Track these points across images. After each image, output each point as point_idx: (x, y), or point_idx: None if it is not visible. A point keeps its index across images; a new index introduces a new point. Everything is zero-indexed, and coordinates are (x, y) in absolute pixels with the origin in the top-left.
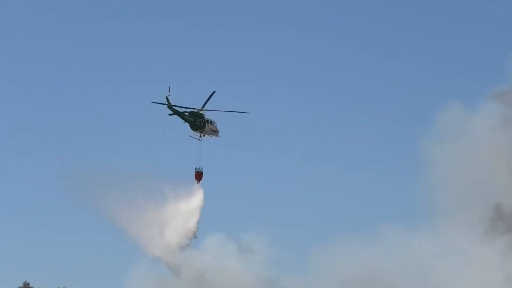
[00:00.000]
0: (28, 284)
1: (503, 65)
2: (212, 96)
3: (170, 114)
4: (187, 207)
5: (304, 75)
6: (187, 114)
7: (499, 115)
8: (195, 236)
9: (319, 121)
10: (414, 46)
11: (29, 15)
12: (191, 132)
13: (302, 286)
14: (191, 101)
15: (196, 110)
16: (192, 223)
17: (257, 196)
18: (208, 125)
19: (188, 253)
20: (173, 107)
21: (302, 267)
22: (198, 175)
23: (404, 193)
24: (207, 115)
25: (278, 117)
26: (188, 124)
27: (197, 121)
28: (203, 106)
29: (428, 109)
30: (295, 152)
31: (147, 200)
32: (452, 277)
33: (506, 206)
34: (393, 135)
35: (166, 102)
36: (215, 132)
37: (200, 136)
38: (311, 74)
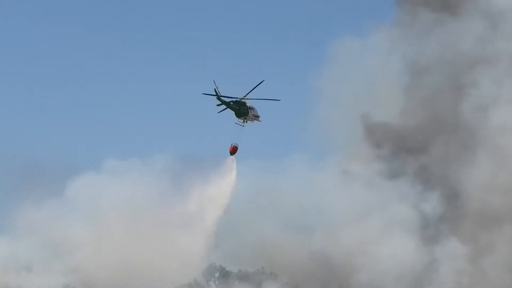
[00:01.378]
0: None
1: None
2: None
3: (218, 105)
4: None
5: None
6: (232, 103)
7: (391, 45)
8: None
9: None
10: None
11: None
12: (236, 119)
13: None
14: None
15: (239, 99)
16: None
17: None
18: (251, 112)
19: None
20: (221, 97)
21: None
22: (233, 149)
23: (307, 126)
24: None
25: None
26: (234, 112)
27: (241, 109)
28: (246, 95)
29: (322, 41)
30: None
31: None
32: (357, 212)
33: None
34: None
35: (215, 94)
36: (257, 117)
37: (244, 122)
38: None
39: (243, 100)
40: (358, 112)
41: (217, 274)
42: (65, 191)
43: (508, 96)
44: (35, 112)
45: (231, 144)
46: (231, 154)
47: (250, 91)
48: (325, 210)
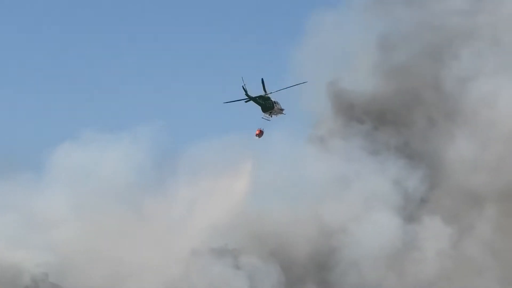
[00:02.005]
0: None
1: None
2: (264, 82)
3: (246, 101)
4: None
5: None
6: (258, 98)
7: (370, 17)
8: None
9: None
10: None
11: None
12: (262, 114)
13: None
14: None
15: (263, 95)
16: None
17: None
18: (276, 105)
19: None
20: (248, 94)
21: None
22: (259, 132)
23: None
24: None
25: None
26: (260, 107)
27: (267, 103)
28: (265, 91)
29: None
30: None
31: None
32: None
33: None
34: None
35: (244, 91)
36: (281, 110)
37: (270, 116)
38: None
39: (267, 96)
40: (336, 85)
41: None
42: (42, 164)
43: (491, 70)
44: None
45: (258, 129)
46: (257, 136)
47: (263, 89)
48: (303, 186)
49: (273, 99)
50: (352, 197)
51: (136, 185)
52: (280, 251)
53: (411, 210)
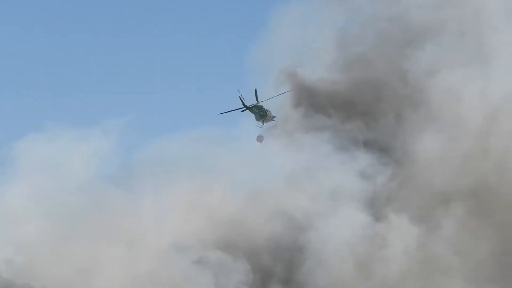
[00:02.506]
0: None
1: None
2: (257, 92)
3: (242, 111)
4: None
5: None
6: (253, 108)
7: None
8: None
9: None
10: None
11: None
12: (256, 122)
13: None
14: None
15: (256, 104)
16: None
17: None
18: (268, 113)
19: None
20: (244, 104)
21: None
22: (260, 138)
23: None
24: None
25: None
26: (254, 116)
27: (261, 112)
28: (257, 100)
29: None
30: None
31: None
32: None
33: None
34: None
35: (241, 101)
36: (273, 117)
37: (263, 123)
38: None
39: (259, 104)
40: (301, 78)
41: None
42: (5, 157)
43: (457, 64)
44: None
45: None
46: (259, 141)
47: (256, 97)
48: (268, 181)
49: (265, 107)
50: (317, 193)
51: (103, 181)
52: (245, 246)
53: (378, 208)
